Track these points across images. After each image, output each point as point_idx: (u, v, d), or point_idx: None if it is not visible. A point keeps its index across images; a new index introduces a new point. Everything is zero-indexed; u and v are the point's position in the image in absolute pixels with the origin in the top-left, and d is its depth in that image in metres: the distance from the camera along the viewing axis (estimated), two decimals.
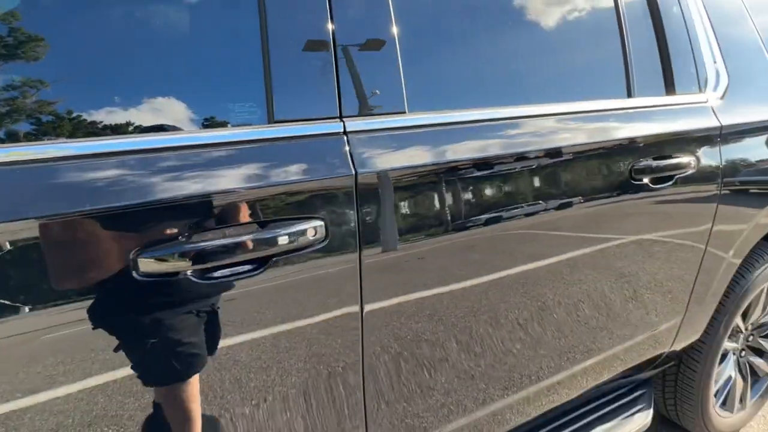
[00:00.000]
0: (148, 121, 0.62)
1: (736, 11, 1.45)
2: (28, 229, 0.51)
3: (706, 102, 1.23)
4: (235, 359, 0.66)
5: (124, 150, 0.58)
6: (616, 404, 1.39)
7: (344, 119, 0.72)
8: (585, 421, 1.30)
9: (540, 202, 0.94)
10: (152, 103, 0.63)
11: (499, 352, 0.97)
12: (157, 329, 0.61)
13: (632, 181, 1.06)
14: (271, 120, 0.68)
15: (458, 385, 0.92)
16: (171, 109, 0.64)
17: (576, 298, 1.06)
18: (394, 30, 0.77)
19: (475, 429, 1.01)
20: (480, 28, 0.96)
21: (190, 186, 0.61)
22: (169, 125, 0.63)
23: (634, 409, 1.39)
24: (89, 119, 0.59)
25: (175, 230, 0.59)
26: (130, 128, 0.61)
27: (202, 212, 0.62)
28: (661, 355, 1.40)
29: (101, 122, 0.59)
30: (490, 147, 0.85)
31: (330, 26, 0.71)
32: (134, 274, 0.56)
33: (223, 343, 0.64)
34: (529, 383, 1.06)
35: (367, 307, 0.75)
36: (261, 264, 0.64)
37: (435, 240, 0.81)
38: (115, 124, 0.60)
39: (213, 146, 0.64)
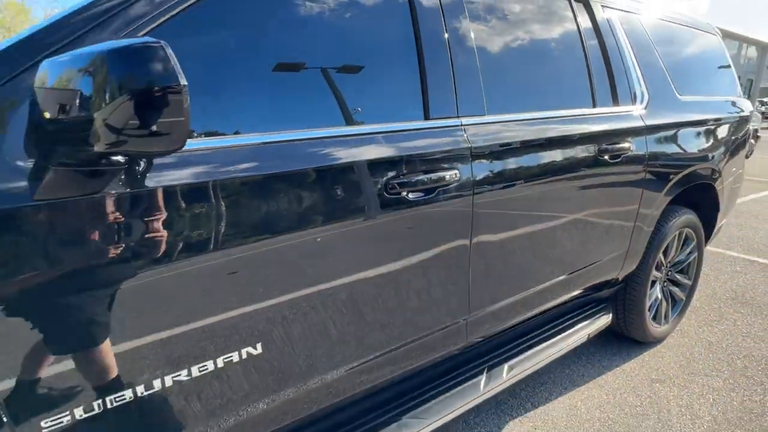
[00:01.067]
0: (373, 119, 1.18)
1: (648, 45, 2.19)
2: (302, 174, 1.04)
3: (636, 111, 1.95)
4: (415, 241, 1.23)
5: (369, 132, 1.14)
6: (590, 311, 2.08)
7: (461, 117, 1.31)
8: (572, 320, 1.97)
9: (547, 173, 1.57)
10: (375, 109, 1.19)
11: (527, 263, 1.60)
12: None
13: (598, 158, 1.73)
14: (427, 117, 1.26)
15: (511, 274, 1.54)
16: (381, 112, 1.20)
17: (561, 237, 1.71)
18: (480, 70, 1.37)
19: (523, 304, 1.64)
20: (535, 61, 1.61)
21: (394, 150, 1.17)
22: (381, 120, 1.19)
23: (601, 315, 2.09)
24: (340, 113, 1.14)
25: (399, 170, 1.16)
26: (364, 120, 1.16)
27: (406, 163, 1.18)
28: (613, 279, 2.10)
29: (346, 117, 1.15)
30: (539, 131, 1.50)
31: (452, 71, 1.30)
32: (385, 194, 1.12)
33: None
34: (544, 281, 1.70)
35: (475, 222, 1.34)
36: (431, 191, 1.21)
37: (507, 190, 1.42)
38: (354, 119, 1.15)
39: (402, 132, 1.21)
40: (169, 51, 0.66)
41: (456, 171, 1.26)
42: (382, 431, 1.32)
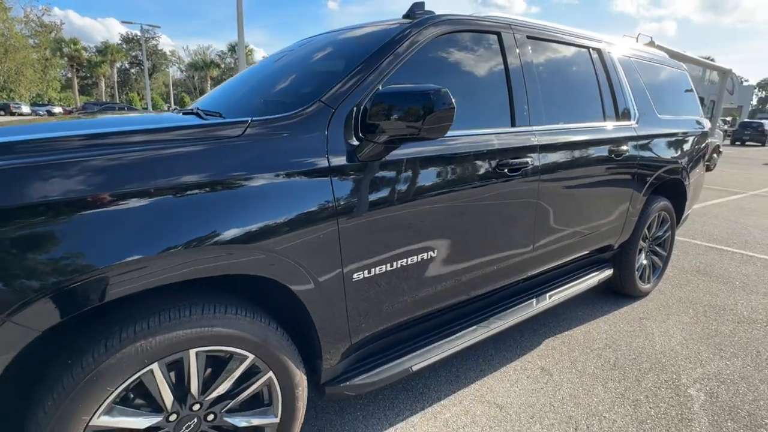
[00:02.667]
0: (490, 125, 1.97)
1: (637, 78, 3.04)
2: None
3: (631, 124, 2.80)
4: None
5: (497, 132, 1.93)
6: (597, 267, 2.90)
7: (532, 126, 2.11)
8: (588, 271, 2.79)
9: (579, 163, 2.38)
10: (490, 119, 1.98)
11: (566, 220, 2.40)
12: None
13: (608, 156, 2.56)
14: (513, 125, 2.06)
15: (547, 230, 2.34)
16: (493, 122, 1.99)
17: (585, 205, 2.52)
18: (541, 96, 2.18)
19: (562, 249, 2.43)
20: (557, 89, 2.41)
21: (501, 143, 1.95)
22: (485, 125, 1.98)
23: (605, 269, 2.92)
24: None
25: (503, 155, 1.94)
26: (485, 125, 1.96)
27: (506, 152, 1.97)
28: (612, 245, 2.93)
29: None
30: (575, 135, 2.30)
31: (526, 97, 2.11)
32: (497, 169, 1.91)
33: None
34: (575, 235, 2.50)
35: (540, 191, 2.13)
36: (518, 170, 2.00)
37: (557, 173, 2.21)
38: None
39: (503, 133, 2.00)
40: (448, 91, 1.42)
41: (530, 158, 2.06)
42: (481, 324, 2.09)
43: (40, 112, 32.85)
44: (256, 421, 1.44)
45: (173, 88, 69.68)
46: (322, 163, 1.43)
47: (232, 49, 47.48)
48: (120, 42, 60.57)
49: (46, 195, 1.01)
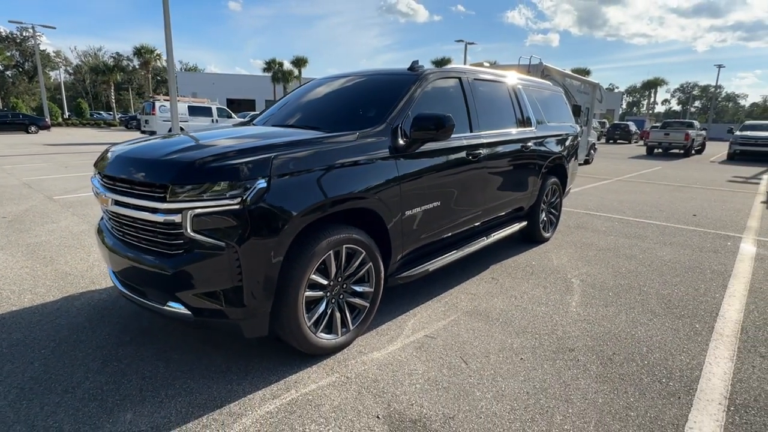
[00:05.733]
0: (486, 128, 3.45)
1: (533, 98, 4.74)
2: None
3: (533, 129, 4.46)
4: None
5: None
6: (518, 221, 4.54)
7: (481, 131, 3.62)
8: (511, 223, 4.40)
9: (506, 153, 3.95)
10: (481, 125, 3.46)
11: (501, 187, 3.96)
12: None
13: (520, 149, 4.17)
14: (471, 131, 3.55)
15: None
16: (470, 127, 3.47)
17: (512, 179, 4.11)
18: (480, 111, 3.71)
19: (500, 206, 3.99)
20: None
21: (473, 141, 3.42)
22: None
23: (522, 222, 4.56)
24: None
25: (473, 148, 3.42)
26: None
27: (475, 147, 3.44)
28: (524, 206, 4.58)
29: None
30: (502, 136, 3.86)
31: (474, 112, 3.61)
32: (470, 156, 3.38)
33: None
34: (507, 197, 4.08)
35: (488, 170, 3.65)
36: (477, 157, 3.50)
37: (495, 160, 3.75)
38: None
39: (462, 137, 3.48)
40: (450, 116, 2.82)
41: (481, 151, 3.55)
42: (460, 249, 3.53)
43: None
44: (362, 289, 2.73)
45: (56, 92, 63.15)
46: (390, 153, 2.77)
47: (138, 52, 44.66)
48: None
49: (299, 169, 2.25)
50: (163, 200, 2.10)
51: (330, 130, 2.84)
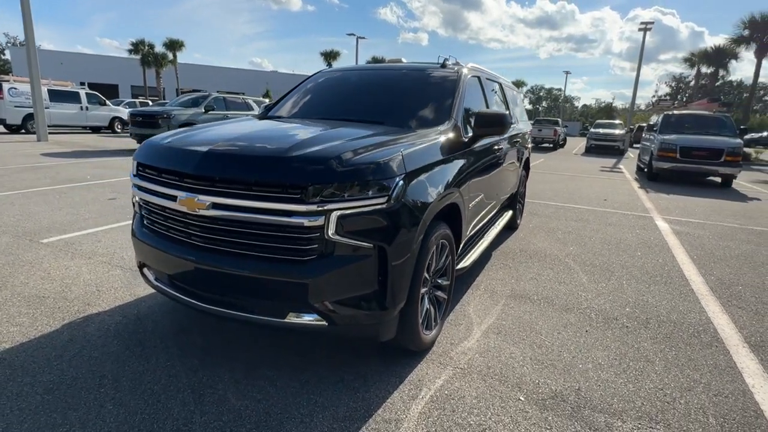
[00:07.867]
0: None
1: (511, 92, 5.18)
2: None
3: (518, 126, 4.89)
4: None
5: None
6: (506, 210, 4.94)
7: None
8: (500, 215, 4.78)
9: (511, 146, 4.29)
10: None
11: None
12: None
13: (517, 143, 4.56)
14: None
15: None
16: None
17: (512, 172, 4.47)
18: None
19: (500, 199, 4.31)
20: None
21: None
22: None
23: (508, 210, 4.98)
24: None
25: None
26: None
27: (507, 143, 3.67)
28: (514, 192, 5.01)
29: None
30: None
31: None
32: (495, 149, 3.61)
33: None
34: (503, 192, 4.43)
35: (502, 160, 3.94)
36: (515, 147, 3.75)
37: (508, 151, 4.05)
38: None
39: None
40: (507, 113, 3.00)
41: (504, 144, 3.81)
42: (486, 233, 3.76)
43: None
44: (443, 281, 2.78)
45: None
46: (462, 147, 2.85)
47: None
48: None
49: (416, 163, 2.22)
50: (300, 202, 1.89)
51: (395, 126, 2.80)
